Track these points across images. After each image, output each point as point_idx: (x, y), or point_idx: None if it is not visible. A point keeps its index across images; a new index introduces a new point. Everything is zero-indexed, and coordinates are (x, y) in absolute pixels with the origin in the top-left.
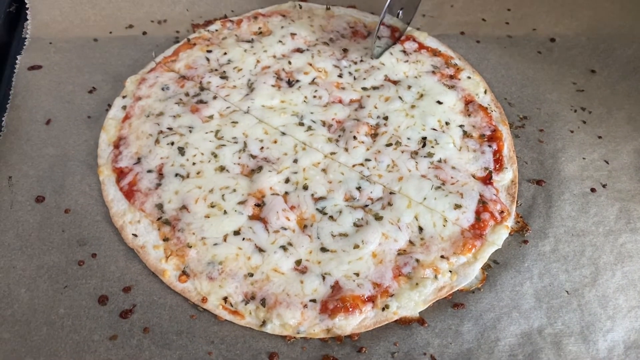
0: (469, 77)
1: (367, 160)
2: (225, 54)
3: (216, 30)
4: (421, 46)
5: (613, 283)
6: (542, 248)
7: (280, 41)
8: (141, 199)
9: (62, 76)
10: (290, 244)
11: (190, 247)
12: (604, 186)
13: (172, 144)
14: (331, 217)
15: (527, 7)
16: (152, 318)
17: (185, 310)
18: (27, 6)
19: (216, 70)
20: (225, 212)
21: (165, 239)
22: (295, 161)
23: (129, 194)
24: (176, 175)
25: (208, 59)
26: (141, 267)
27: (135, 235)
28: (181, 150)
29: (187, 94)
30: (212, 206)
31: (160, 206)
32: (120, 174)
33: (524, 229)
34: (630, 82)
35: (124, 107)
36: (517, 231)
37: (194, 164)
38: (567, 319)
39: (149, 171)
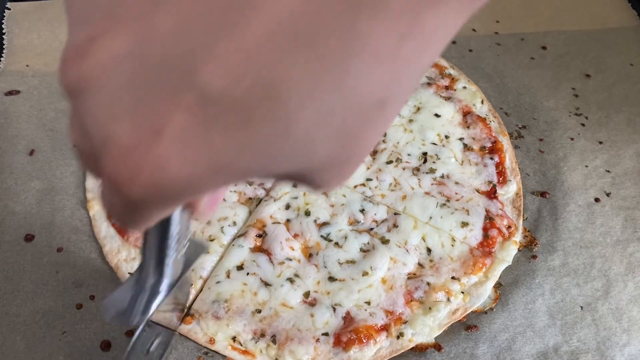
0: (465, 87)
1: (369, 179)
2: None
3: None
4: None
5: (626, 294)
6: (552, 262)
7: None
8: (135, 234)
9: (42, 102)
10: (296, 276)
11: (191, 285)
12: (608, 195)
13: None
14: (337, 244)
15: (516, 19)
16: None
17: (192, 352)
18: (3, 30)
19: None
20: (225, 246)
21: None
22: (295, 185)
23: (122, 229)
24: None
25: None
26: None
27: (131, 274)
28: None
29: None
30: (211, 240)
31: None
32: None
33: (533, 244)
34: (625, 85)
35: None
36: (526, 246)
37: None
38: (583, 335)
39: None
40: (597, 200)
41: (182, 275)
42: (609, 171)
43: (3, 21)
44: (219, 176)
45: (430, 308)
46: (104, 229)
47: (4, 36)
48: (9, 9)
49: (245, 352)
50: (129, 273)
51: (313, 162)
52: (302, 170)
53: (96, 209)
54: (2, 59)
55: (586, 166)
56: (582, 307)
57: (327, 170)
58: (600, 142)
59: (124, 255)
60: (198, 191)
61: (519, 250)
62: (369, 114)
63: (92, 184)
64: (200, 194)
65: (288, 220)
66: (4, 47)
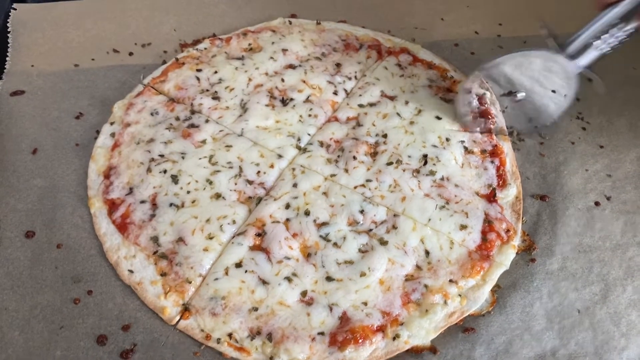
0: None
1: (369, 180)
2: (215, 72)
3: (205, 48)
4: (415, 59)
5: (624, 299)
6: (550, 266)
7: (271, 57)
8: (135, 231)
9: (46, 101)
10: (294, 275)
11: (190, 282)
12: (608, 199)
13: (165, 172)
14: (335, 244)
15: (519, 22)
16: (154, 357)
17: (188, 347)
18: (8, 30)
19: (207, 90)
20: (224, 244)
21: (163, 274)
22: (295, 185)
23: (122, 226)
24: (170, 205)
25: (198, 79)
26: (140, 304)
27: (131, 271)
28: (174, 178)
29: (177, 118)
30: (210, 238)
31: (155, 239)
32: (112, 205)
33: (531, 247)
34: (627, 90)
35: (113, 135)
36: (524, 250)
37: (188, 192)
38: (580, 339)
39: (142, 202)
40: (597, 204)
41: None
42: (609, 175)
43: (8, 21)
44: None
45: (427, 310)
46: (104, 226)
47: (9, 36)
48: (14, 9)
49: (240, 349)
50: (128, 270)
51: None
52: None
53: (97, 206)
54: (7, 59)
55: (587, 170)
56: (579, 311)
57: None
58: (602, 146)
59: (124, 253)
60: None
61: (517, 253)
62: None
63: (93, 182)
64: None
65: (287, 220)
66: (9, 47)
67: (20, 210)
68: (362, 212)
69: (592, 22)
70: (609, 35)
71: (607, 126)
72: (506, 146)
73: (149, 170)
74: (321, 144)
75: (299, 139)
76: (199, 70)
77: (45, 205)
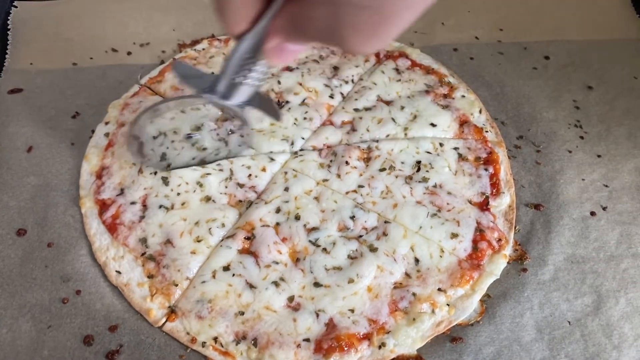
0: (463, 96)
1: (361, 186)
2: (213, 73)
3: (203, 49)
4: (414, 63)
5: (617, 311)
6: (542, 276)
7: None
8: (124, 232)
9: (43, 100)
10: (282, 279)
11: (176, 285)
12: (604, 209)
13: (156, 173)
14: (325, 250)
15: (520, 27)
16: (139, 359)
17: (174, 350)
18: (8, 28)
19: None
20: (212, 247)
21: (150, 276)
22: (287, 189)
23: (112, 227)
24: (160, 206)
25: None
26: (127, 304)
27: (119, 272)
28: (165, 180)
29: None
30: (199, 240)
31: (144, 240)
32: (102, 206)
33: (523, 257)
34: (628, 99)
35: (107, 135)
36: (516, 259)
37: (178, 194)
38: (571, 351)
39: (133, 203)
40: (592, 214)
41: (241, 105)
42: (606, 185)
43: (9, 19)
44: None
45: (414, 319)
46: (95, 226)
47: (9, 34)
48: (15, 7)
49: (225, 354)
50: (116, 271)
51: None
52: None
53: (88, 206)
54: (7, 57)
55: (583, 179)
56: (570, 323)
57: (362, 20)
58: (599, 156)
59: (113, 253)
60: None
61: (508, 263)
62: None
63: (85, 182)
64: None
65: (277, 224)
66: (8, 44)
67: (13, 207)
68: (353, 218)
69: (228, 60)
70: (251, 70)
71: (605, 135)
72: (501, 154)
73: (140, 171)
74: (314, 148)
75: (292, 143)
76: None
77: (38, 204)
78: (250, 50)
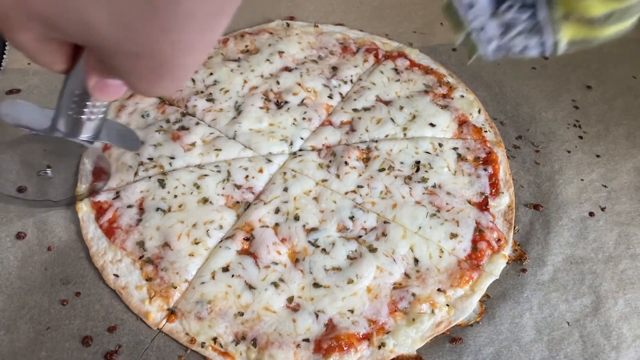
0: (462, 96)
1: (360, 187)
2: (211, 74)
3: None
4: (413, 63)
5: (615, 312)
6: (541, 277)
7: (268, 60)
8: (122, 236)
9: (42, 101)
10: (281, 280)
11: (175, 287)
12: (602, 209)
13: (152, 175)
14: (324, 250)
15: None
16: (138, 359)
17: (173, 350)
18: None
19: (202, 92)
20: (210, 249)
21: (149, 279)
22: (286, 189)
23: (109, 231)
24: (157, 209)
25: (193, 80)
26: (126, 306)
27: (116, 275)
28: (161, 182)
29: (167, 121)
30: (196, 243)
31: (141, 244)
32: (99, 209)
33: (522, 257)
34: (627, 98)
35: None
36: (515, 260)
37: (175, 196)
38: (570, 352)
39: (129, 206)
40: (591, 214)
41: (91, 140)
42: (605, 185)
43: None
44: (19, 12)
45: (414, 319)
46: (92, 231)
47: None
48: None
49: (225, 354)
50: (113, 275)
51: (95, 36)
52: (97, 41)
53: (84, 210)
54: (4, 57)
55: (582, 179)
56: (569, 323)
57: (141, 67)
58: (598, 156)
59: (110, 257)
60: (10, 24)
61: (507, 263)
62: (142, 7)
63: (83, 188)
64: (15, 29)
65: (277, 224)
66: (6, 44)
67: (12, 210)
68: (352, 218)
69: (59, 97)
70: (92, 106)
71: (604, 135)
72: (500, 154)
73: (136, 174)
74: (313, 148)
75: (291, 143)
76: (194, 72)
77: (38, 208)
78: (80, 86)
